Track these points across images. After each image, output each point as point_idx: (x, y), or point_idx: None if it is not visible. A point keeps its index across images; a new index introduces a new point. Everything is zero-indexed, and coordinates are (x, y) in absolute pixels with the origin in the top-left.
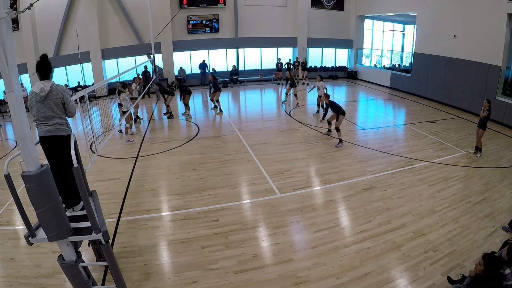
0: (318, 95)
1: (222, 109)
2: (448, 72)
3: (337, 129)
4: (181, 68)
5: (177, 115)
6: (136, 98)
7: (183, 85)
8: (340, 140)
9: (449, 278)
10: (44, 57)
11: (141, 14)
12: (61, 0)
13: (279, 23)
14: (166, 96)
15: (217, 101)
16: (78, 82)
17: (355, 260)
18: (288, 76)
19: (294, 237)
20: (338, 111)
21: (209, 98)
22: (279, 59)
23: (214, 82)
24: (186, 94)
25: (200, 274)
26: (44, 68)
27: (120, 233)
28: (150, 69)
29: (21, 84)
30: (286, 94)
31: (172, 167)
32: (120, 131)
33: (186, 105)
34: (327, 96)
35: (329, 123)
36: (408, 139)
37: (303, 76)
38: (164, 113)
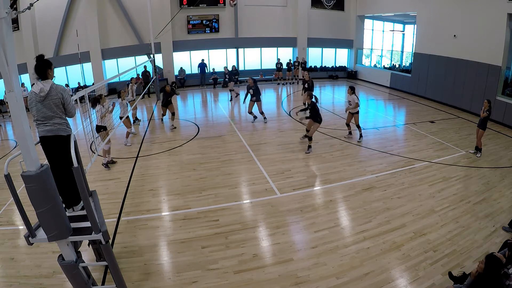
0: (349, 112)
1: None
2: (448, 72)
3: (310, 138)
4: (181, 68)
5: (177, 115)
6: (134, 100)
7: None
8: (310, 146)
9: (450, 274)
10: (39, 57)
11: (141, 14)
12: (61, 0)
13: (279, 23)
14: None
15: (262, 112)
16: (79, 83)
17: (355, 260)
18: (307, 79)
19: (294, 237)
20: (316, 118)
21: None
22: (279, 59)
23: (256, 87)
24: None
25: (200, 274)
26: (40, 69)
27: (120, 233)
28: (150, 69)
29: (22, 84)
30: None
31: (172, 167)
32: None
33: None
34: (312, 96)
35: (348, 125)
36: (408, 139)
37: (303, 76)
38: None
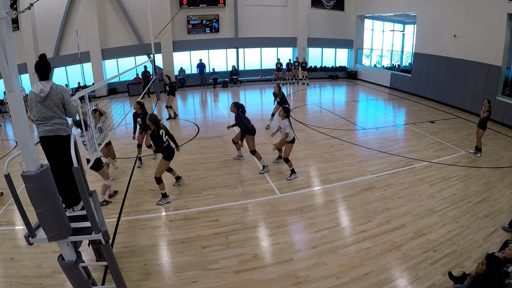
0: (281, 142)
1: None
2: (448, 72)
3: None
4: (181, 68)
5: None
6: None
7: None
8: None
9: (450, 274)
10: (42, 56)
11: (141, 14)
12: (61, 0)
13: (279, 23)
14: (168, 95)
15: (139, 146)
16: (79, 83)
17: (355, 260)
18: (277, 91)
19: (294, 237)
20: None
21: None
22: (279, 59)
23: (144, 114)
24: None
25: (200, 274)
26: (43, 68)
27: (120, 233)
28: (150, 69)
29: None
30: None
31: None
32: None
33: (170, 107)
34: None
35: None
36: (408, 139)
37: (303, 76)
38: (167, 119)
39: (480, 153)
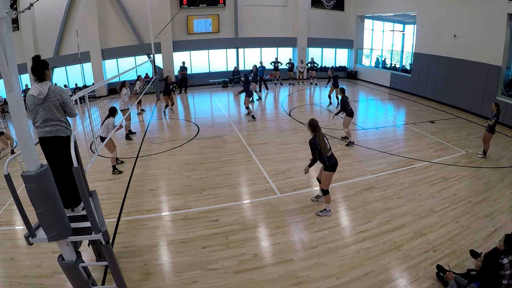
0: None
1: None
2: (448, 72)
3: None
4: (183, 63)
5: (177, 115)
6: (140, 93)
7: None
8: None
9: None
10: (35, 58)
11: (141, 14)
12: (61, 0)
13: (279, 23)
14: (163, 94)
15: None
16: (76, 84)
17: (355, 260)
18: (331, 75)
19: (294, 237)
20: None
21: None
22: (276, 59)
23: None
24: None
25: (200, 274)
26: (37, 70)
27: (120, 233)
28: (150, 69)
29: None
30: (330, 96)
31: (172, 167)
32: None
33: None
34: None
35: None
36: (408, 139)
37: (311, 76)
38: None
39: (485, 156)
